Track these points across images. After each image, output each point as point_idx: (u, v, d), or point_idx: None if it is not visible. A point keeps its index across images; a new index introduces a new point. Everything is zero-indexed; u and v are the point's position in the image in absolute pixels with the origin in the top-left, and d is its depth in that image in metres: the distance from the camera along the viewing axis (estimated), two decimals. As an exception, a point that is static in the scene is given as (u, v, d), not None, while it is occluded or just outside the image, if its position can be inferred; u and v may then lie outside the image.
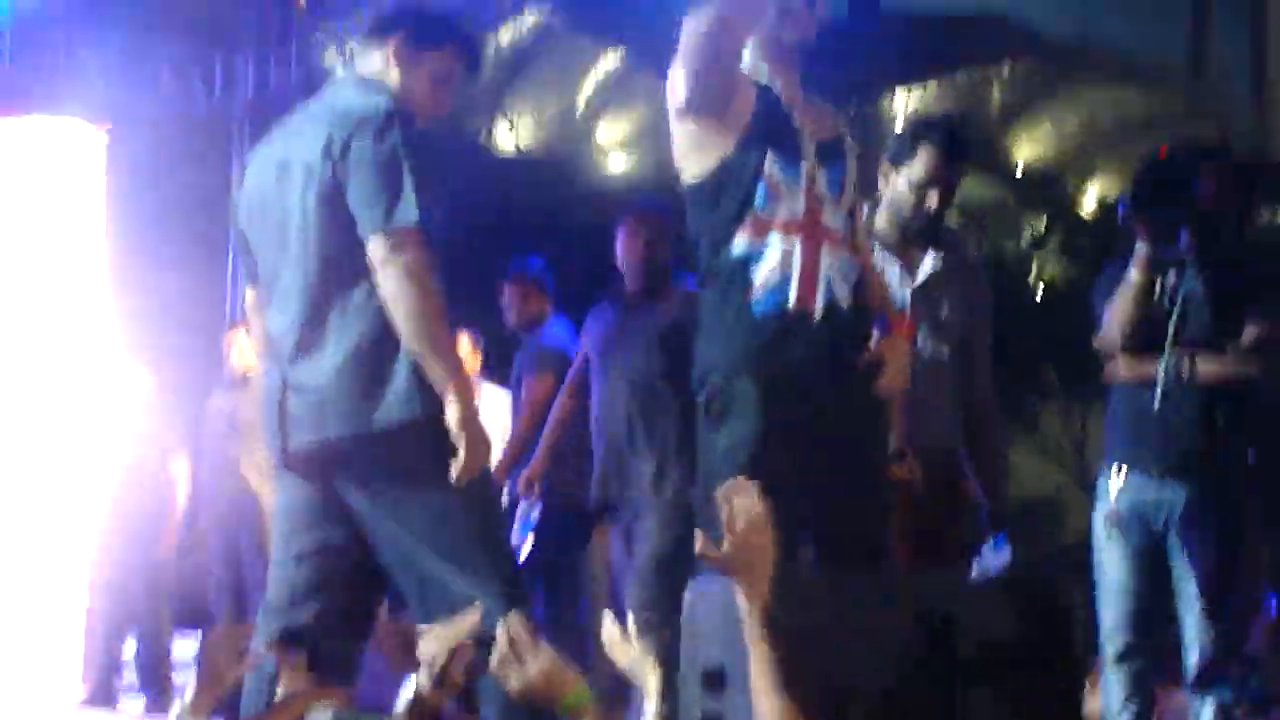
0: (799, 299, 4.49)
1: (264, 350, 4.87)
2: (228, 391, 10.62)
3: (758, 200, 4.51)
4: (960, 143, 5.70)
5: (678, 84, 4.63)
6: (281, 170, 4.59)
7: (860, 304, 4.66)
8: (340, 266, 4.48)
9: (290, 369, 4.58)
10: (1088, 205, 23.81)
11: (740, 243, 4.52)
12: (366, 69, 4.74)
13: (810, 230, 4.51)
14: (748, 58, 4.72)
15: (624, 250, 7.16)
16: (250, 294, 4.89)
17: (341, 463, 4.50)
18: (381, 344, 4.44)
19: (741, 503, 3.28)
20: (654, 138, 28.22)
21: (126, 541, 10.69)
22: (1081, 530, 6.19)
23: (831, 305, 4.54)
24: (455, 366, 4.50)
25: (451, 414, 4.36)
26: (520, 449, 8.29)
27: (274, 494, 5.12)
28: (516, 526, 8.13)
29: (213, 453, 10.38)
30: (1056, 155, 28.96)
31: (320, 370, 4.49)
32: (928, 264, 5.74)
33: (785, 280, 4.48)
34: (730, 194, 4.53)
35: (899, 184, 5.60)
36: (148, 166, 15.69)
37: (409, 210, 4.37)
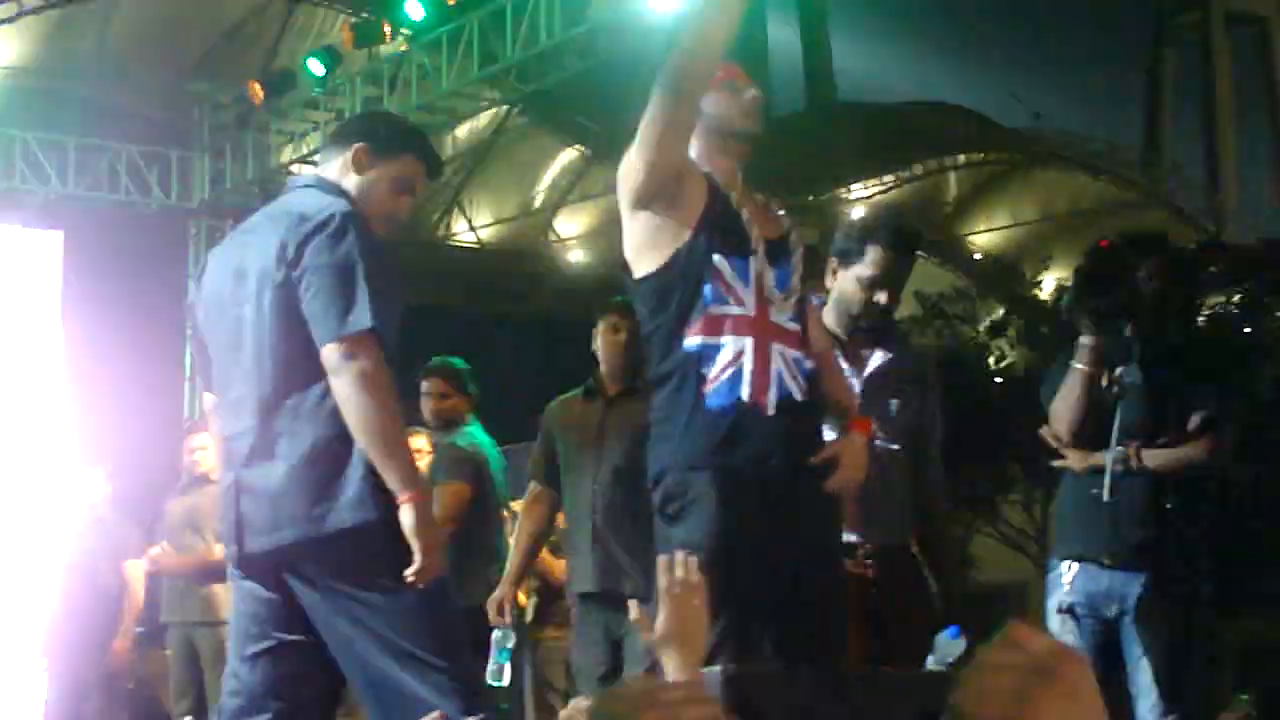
0: (751, 395, 4.49)
1: (220, 454, 4.87)
2: (187, 492, 10.60)
3: (708, 296, 4.51)
4: (908, 239, 5.68)
5: (632, 174, 4.58)
6: (237, 276, 4.59)
7: (814, 398, 4.67)
8: (294, 371, 4.47)
9: (243, 472, 4.57)
10: (1046, 291, 23.94)
11: (692, 341, 4.52)
12: (326, 173, 4.75)
13: (761, 328, 4.52)
14: (694, 150, 4.69)
15: (605, 346, 7.05)
16: (208, 398, 4.89)
17: (295, 565, 4.48)
18: (335, 447, 4.43)
19: (678, 575, 3.29)
20: (614, 231, 28.29)
21: (80, 645, 10.64)
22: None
23: (785, 400, 4.54)
24: (410, 471, 4.40)
25: (406, 519, 4.34)
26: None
27: (231, 596, 5.11)
28: (493, 654, 7.93)
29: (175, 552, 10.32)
30: (1013, 243, 29.19)
31: (274, 473, 4.48)
32: (875, 360, 5.73)
33: (737, 377, 4.47)
34: (682, 289, 4.52)
35: (847, 282, 5.56)
36: (104, 266, 15.70)
37: (363, 316, 4.36)
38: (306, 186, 4.79)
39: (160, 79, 19.70)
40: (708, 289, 4.48)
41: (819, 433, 4.76)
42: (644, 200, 4.54)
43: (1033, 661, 1.94)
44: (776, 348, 4.53)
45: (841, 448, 4.70)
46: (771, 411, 4.50)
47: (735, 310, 4.50)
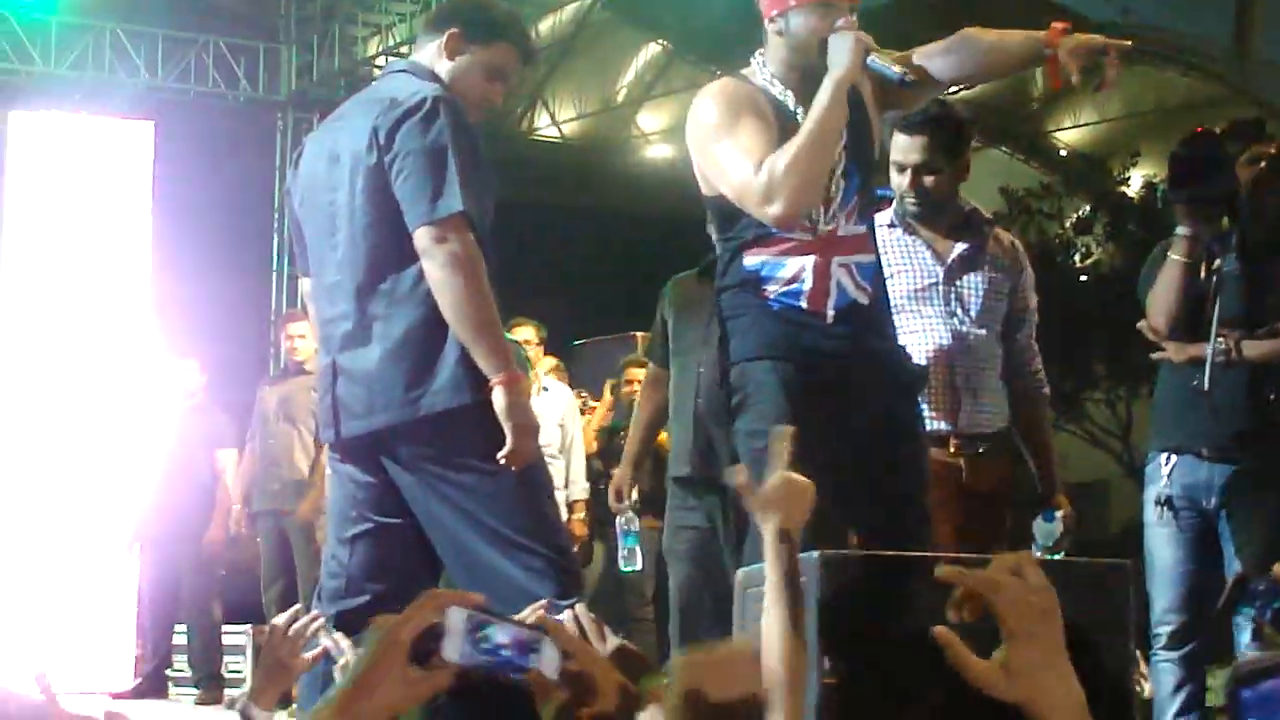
0: (810, 304, 4.49)
1: (317, 338, 4.91)
2: (281, 381, 10.68)
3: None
4: (938, 127, 5.60)
5: (701, 137, 4.48)
6: (331, 160, 4.60)
7: (879, 295, 4.66)
8: (387, 255, 4.48)
9: (340, 356, 4.59)
10: (1133, 189, 23.70)
11: (754, 260, 4.50)
12: (420, 58, 4.75)
13: (823, 248, 4.49)
14: (771, 52, 4.58)
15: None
16: (305, 283, 4.91)
17: (392, 449, 4.52)
18: (429, 331, 4.44)
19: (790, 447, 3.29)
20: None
21: (175, 534, 10.77)
22: (1129, 516, 6.17)
23: (845, 307, 4.52)
24: (503, 354, 4.44)
25: (499, 402, 4.36)
26: None
27: (328, 479, 5.16)
28: (620, 540, 7.92)
29: (266, 440, 10.42)
30: (1100, 139, 28.90)
31: (369, 357, 4.50)
32: (957, 249, 5.72)
33: (797, 291, 4.46)
34: (745, 217, 4.51)
35: (893, 169, 5.61)
36: (194, 158, 15.76)
37: (454, 199, 4.37)
38: (400, 71, 4.80)
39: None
40: None
41: (885, 326, 4.74)
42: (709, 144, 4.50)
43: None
44: (838, 260, 4.52)
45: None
46: (830, 318, 4.50)
47: (799, 236, 4.48)
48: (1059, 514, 5.84)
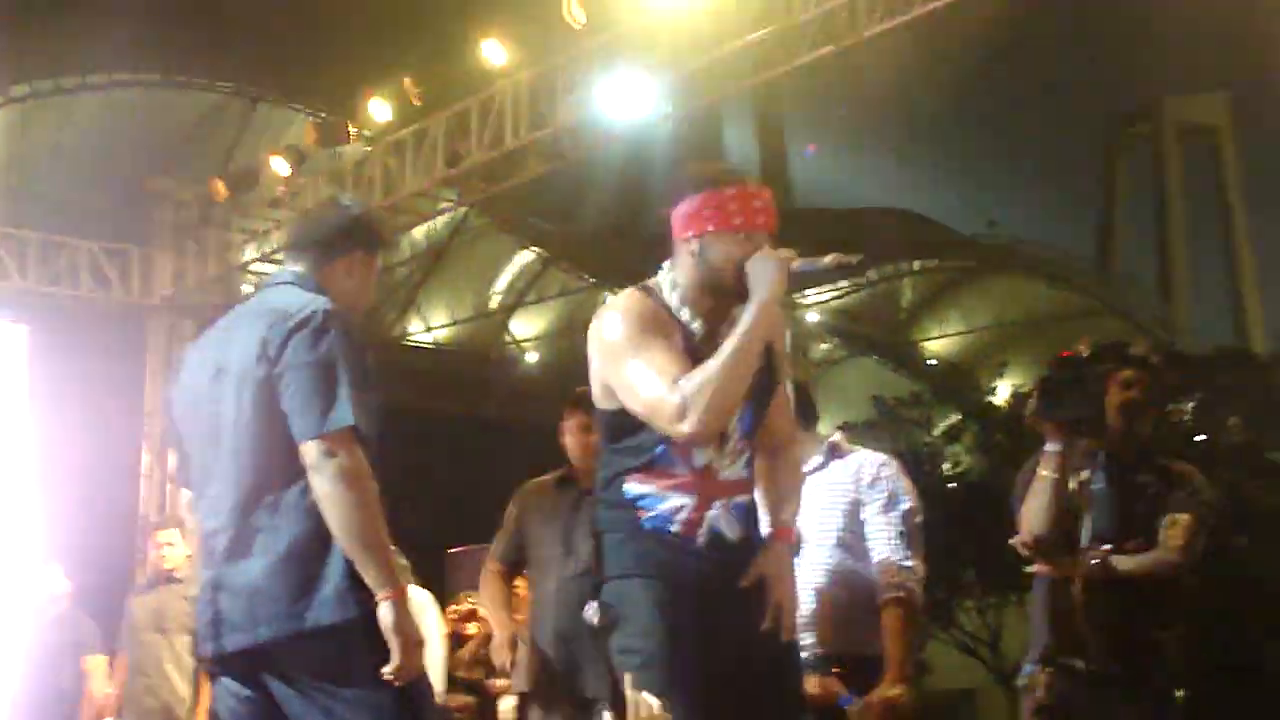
0: (683, 530, 4.52)
1: (198, 550, 4.86)
2: (149, 590, 10.53)
3: (659, 452, 4.50)
4: None
5: (608, 363, 4.50)
6: (215, 372, 4.60)
7: (748, 536, 4.69)
8: (272, 468, 4.47)
9: (221, 570, 4.56)
10: (1000, 398, 24.05)
11: (635, 489, 4.52)
12: (303, 269, 4.76)
13: (704, 488, 4.52)
14: (682, 273, 4.50)
15: (575, 446, 6.89)
16: (185, 494, 4.89)
17: (274, 664, 4.47)
18: (313, 545, 4.42)
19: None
20: (570, 334, 28.44)
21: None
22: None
23: (715, 539, 4.55)
24: (390, 569, 4.39)
25: (386, 617, 4.33)
26: None
27: (208, 698, 5.09)
28: None
29: (135, 650, 10.26)
30: (968, 349, 29.35)
31: (251, 570, 4.46)
32: (811, 463, 5.84)
33: (670, 518, 4.50)
34: (638, 438, 4.51)
35: None
36: (66, 361, 15.67)
37: (344, 413, 4.37)
38: (285, 284, 4.80)
39: (120, 176, 19.76)
40: (663, 447, 4.46)
41: (754, 556, 4.75)
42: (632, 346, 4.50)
43: None
44: (718, 502, 4.54)
45: (763, 562, 4.66)
46: (700, 544, 4.52)
47: (681, 472, 4.49)
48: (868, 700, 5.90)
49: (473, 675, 10.96)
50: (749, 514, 4.64)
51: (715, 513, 4.50)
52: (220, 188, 16.34)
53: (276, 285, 4.82)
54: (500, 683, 10.58)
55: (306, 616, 4.39)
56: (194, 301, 17.11)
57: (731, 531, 4.54)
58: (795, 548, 4.94)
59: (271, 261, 17.04)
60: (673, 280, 4.51)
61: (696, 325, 4.47)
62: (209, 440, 4.60)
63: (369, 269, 4.80)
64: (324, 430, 4.35)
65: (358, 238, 4.80)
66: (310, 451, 4.36)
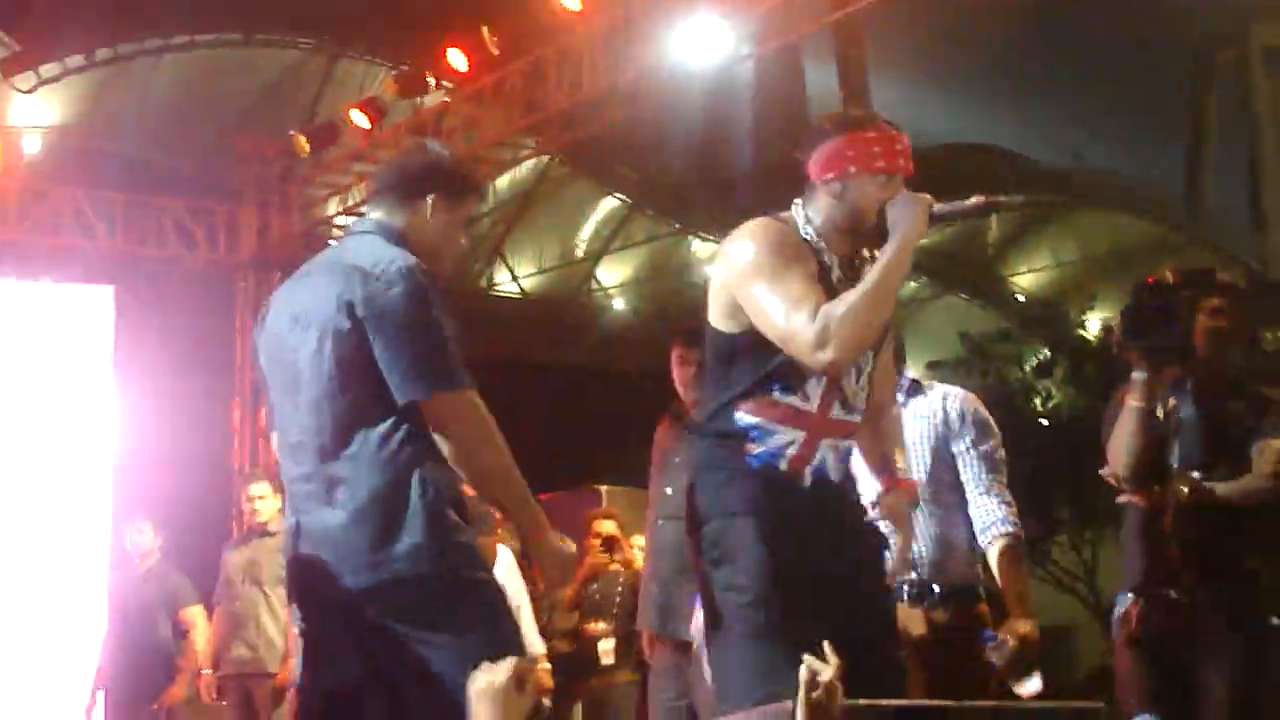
0: (790, 467, 4.52)
1: (284, 496, 4.90)
2: (244, 543, 10.62)
3: (777, 382, 4.50)
4: None
5: (741, 277, 4.47)
6: (293, 321, 4.61)
7: (849, 479, 4.71)
8: (353, 419, 4.48)
9: (303, 517, 4.60)
10: (1090, 332, 23.87)
11: (747, 418, 4.53)
12: (385, 218, 4.76)
13: (817, 424, 4.54)
14: (817, 209, 4.53)
15: (677, 378, 6.85)
16: (275, 437, 4.92)
17: (358, 610, 4.51)
18: (394, 495, 4.45)
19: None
20: (656, 280, 28.43)
21: (135, 699, 10.68)
22: (1097, 659, 6.17)
23: (820, 478, 4.55)
24: (535, 511, 4.64)
25: (543, 552, 4.68)
26: None
27: (296, 640, 5.14)
28: None
29: (232, 603, 10.36)
30: (1057, 284, 29.13)
31: (333, 519, 4.50)
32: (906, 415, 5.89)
33: (780, 454, 4.49)
34: (755, 364, 4.50)
35: None
36: (154, 320, 15.81)
37: (463, 373, 4.50)
38: (365, 233, 4.80)
39: (203, 135, 19.88)
40: (779, 374, 4.46)
41: (854, 504, 4.77)
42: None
43: None
44: (827, 441, 4.54)
45: (884, 508, 4.73)
46: (807, 484, 4.52)
47: (798, 404, 4.49)
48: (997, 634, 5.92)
49: (568, 623, 10.99)
50: (849, 457, 4.65)
51: (823, 453, 4.52)
52: (303, 143, 16.38)
53: (357, 235, 4.83)
54: (599, 626, 10.62)
55: (385, 566, 4.43)
56: (280, 257, 17.21)
57: (836, 473, 4.55)
58: (915, 500, 4.98)
59: (355, 214, 17.08)
60: (806, 217, 4.53)
61: (832, 262, 4.48)
62: (289, 388, 4.64)
63: (451, 214, 4.79)
64: (447, 388, 4.43)
65: (437, 179, 4.80)
66: (439, 408, 4.44)
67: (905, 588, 5.81)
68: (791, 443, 4.49)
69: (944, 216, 4.47)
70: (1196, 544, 5.80)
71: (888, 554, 4.81)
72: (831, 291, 4.35)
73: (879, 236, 4.38)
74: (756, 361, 4.46)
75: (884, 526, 4.80)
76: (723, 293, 4.50)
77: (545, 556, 4.71)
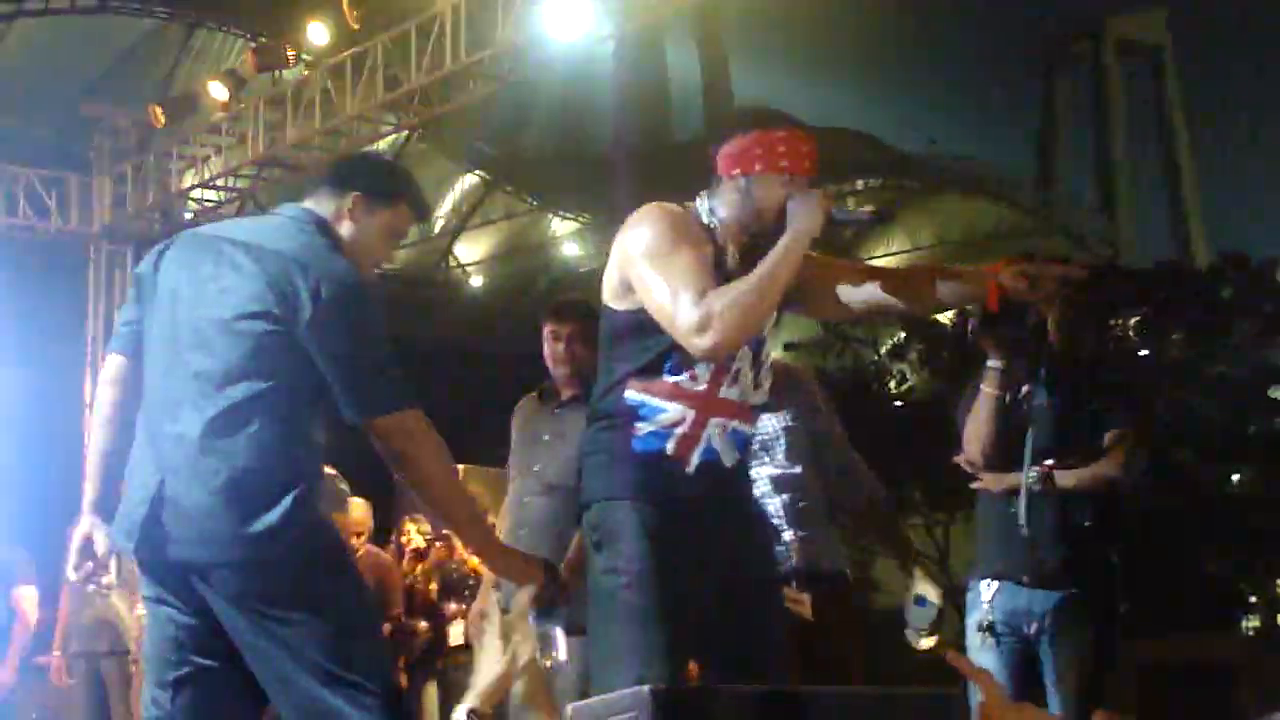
0: (675, 451, 4.53)
1: (140, 448, 4.79)
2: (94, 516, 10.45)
3: (669, 361, 4.50)
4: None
5: (637, 257, 4.47)
6: (205, 283, 4.56)
7: (743, 465, 4.71)
8: (243, 397, 4.44)
9: (170, 478, 4.53)
10: (945, 316, 24.10)
11: (636, 395, 4.53)
12: (316, 207, 4.70)
13: (706, 403, 4.54)
14: (721, 202, 4.53)
15: (547, 353, 6.81)
16: (116, 360, 4.83)
17: (216, 584, 4.46)
18: (264, 474, 4.42)
19: None
20: (513, 257, 28.41)
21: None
22: (947, 640, 6.25)
23: (707, 463, 4.56)
24: (487, 530, 4.82)
25: (496, 567, 4.85)
26: None
27: (144, 619, 5.07)
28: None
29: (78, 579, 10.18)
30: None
31: (202, 489, 4.45)
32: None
33: (666, 434, 4.51)
34: (647, 343, 4.52)
35: None
36: (3, 289, 15.59)
37: (411, 389, 4.48)
38: (296, 219, 4.73)
39: (57, 103, 19.58)
40: (669, 354, 4.47)
41: (744, 497, 4.77)
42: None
43: None
44: (716, 420, 4.55)
45: None
46: (691, 470, 4.53)
47: (686, 383, 4.50)
48: (931, 598, 6.01)
49: (429, 600, 11.00)
50: (746, 443, 4.66)
51: (711, 431, 4.52)
52: (159, 113, 16.19)
53: (288, 218, 4.75)
54: (453, 607, 10.62)
55: (250, 540, 4.39)
56: (134, 229, 17.01)
57: (727, 457, 4.55)
58: None
59: (211, 187, 16.95)
60: (710, 209, 4.53)
61: (731, 252, 4.50)
62: (181, 342, 4.55)
63: (371, 217, 4.70)
64: (399, 408, 4.43)
65: (359, 179, 4.75)
66: (391, 428, 4.43)
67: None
68: (679, 421, 4.49)
69: (840, 221, 4.53)
70: (1045, 532, 5.90)
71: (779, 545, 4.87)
72: (725, 280, 4.36)
73: (779, 233, 4.40)
74: (647, 341, 4.47)
75: (775, 519, 4.85)
76: (616, 272, 4.51)
77: (501, 570, 4.86)
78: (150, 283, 4.73)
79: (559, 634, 6.47)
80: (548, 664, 6.42)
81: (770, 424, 5.98)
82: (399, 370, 4.48)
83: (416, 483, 4.56)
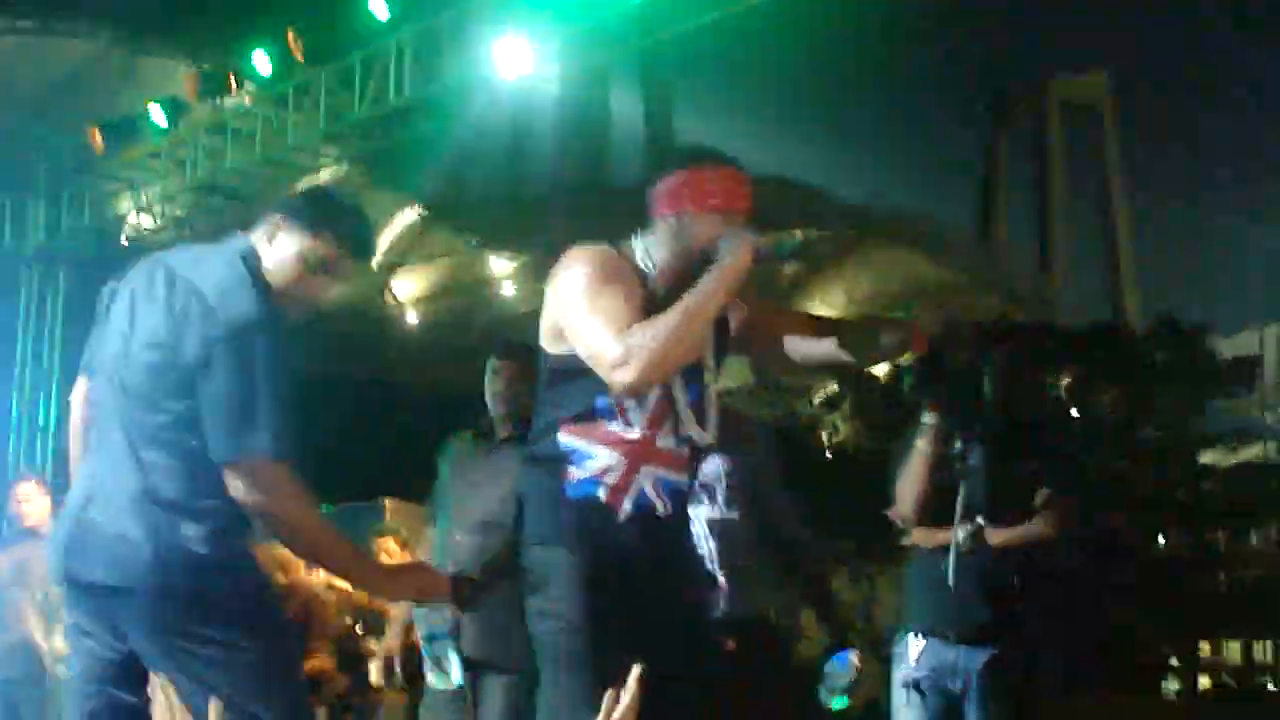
0: (607, 499, 4.49)
1: (77, 465, 4.76)
2: (13, 546, 10.37)
3: (601, 406, 4.47)
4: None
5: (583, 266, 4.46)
6: (131, 305, 4.51)
7: (677, 516, 4.68)
8: (158, 426, 4.40)
9: (96, 505, 4.49)
10: (880, 369, 24.18)
11: (569, 440, 4.50)
12: (248, 233, 4.64)
13: (639, 452, 4.51)
14: (657, 240, 4.49)
15: (489, 391, 6.78)
16: (82, 383, 4.80)
17: (133, 614, 4.41)
18: (185, 499, 4.38)
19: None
20: (451, 294, 28.36)
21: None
22: (871, 694, 6.24)
23: (641, 512, 4.53)
24: (364, 570, 4.72)
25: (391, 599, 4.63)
26: None
27: (64, 650, 5.02)
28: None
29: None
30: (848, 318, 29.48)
31: (120, 512, 4.40)
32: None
33: (596, 482, 4.47)
34: (580, 388, 4.51)
35: None
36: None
37: (270, 440, 4.37)
38: (229, 248, 4.64)
39: (-5, 123, 19.46)
40: (602, 400, 4.44)
41: (678, 546, 4.74)
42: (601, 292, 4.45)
43: None
44: (648, 469, 4.51)
45: None
46: (623, 518, 4.49)
47: (619, 430, 4.47)
48: (851, 657, 5.99)
49: (343, 637, 10.92)
50: (679, 495, 4.60)
51: (642, 481, 4.48)
52: (98, 138, 16.11)
53: (220, 244, 4.68)
54: (372, 644, 10.53)
55: (168, 570, 4.33)
56: (68, 252, 16.91)
57: (660, 507, 4.51)
58: None
59: (149, 213, 16.85)
60: (645, 249, 4.49)
61: (663, 293, 4.46)
62: (108, 368, 4.53)
63: (295, 244, 4.58)
64: (246, 457, 4.31)
65: (284, 200, 4.66)
66: (237, 475, 4.33)
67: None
68: (609, 469, 4.45)
69: (766, 258, 4.48)
70: (974, 588, 5.91)
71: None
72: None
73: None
74: (581, 385, 4.43)
75: (709, 562, 4.82)
76: (549, 317, 4.47)
77: (399, 593, 4.97)
78: (109, 300, 4.70)
79: (453, 656, 6.44)
80: (441, 686, 6.38)
81: (713, 466, 5.94)
82: (275, 417, 4.31)
83: (274, 534, 4.44)
